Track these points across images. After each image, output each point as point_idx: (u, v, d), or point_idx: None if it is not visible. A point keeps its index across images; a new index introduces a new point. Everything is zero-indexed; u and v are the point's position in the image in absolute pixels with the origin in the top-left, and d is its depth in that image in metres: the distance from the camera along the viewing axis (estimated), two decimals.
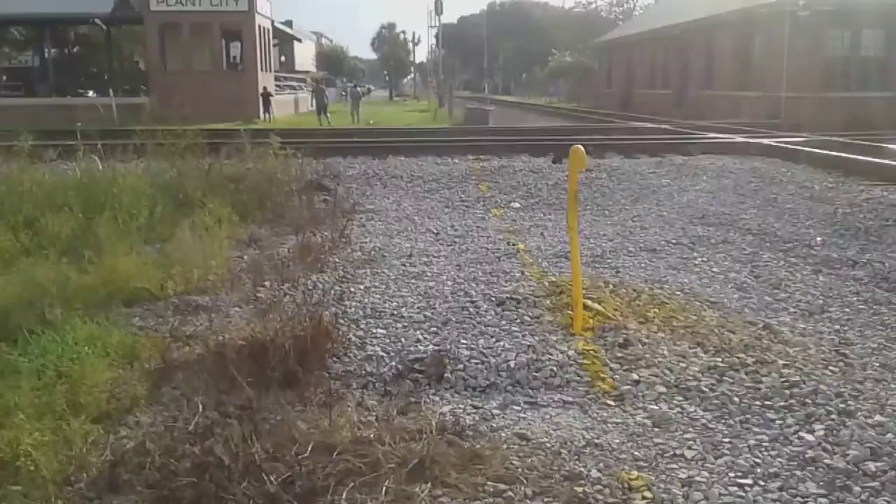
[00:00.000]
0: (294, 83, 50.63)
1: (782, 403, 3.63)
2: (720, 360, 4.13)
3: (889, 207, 8.05)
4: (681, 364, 4.06)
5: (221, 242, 6.16)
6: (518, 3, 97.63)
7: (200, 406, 3.43)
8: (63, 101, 30.70)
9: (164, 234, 6.44)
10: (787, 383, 3.80)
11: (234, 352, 3.94)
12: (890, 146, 12.37)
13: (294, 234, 7.33)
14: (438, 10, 45.35)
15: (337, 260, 6.42)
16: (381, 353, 4.26)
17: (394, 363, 4.12)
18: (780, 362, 4.07)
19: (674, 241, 7.39)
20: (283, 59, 56.31)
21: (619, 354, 4.17)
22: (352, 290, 5.51)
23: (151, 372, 3.88)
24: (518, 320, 4.71)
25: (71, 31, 45.40)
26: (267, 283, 5.63)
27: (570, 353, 4.15)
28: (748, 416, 3.55)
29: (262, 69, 37.06)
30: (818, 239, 7.32)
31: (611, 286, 5.37)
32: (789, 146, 12.93)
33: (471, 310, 4.95)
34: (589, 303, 4.78)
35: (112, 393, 3.61)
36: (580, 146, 4.51)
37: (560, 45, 63.10)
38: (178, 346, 4.25)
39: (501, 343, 4.31)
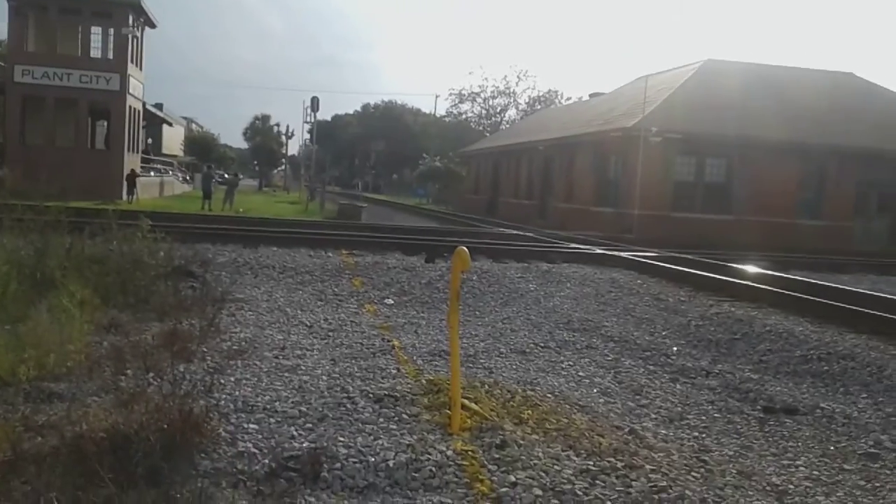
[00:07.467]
0: (160, 166, 49.39)
1: None
2: (591, 463, 4.23)
3: (736, 322, 8.68)
4: (555, 467, 4.13)
5: (81, 326, 5.78)
6: (391, 107, 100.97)
7: (55, 503, 3.15)
8: None
9: (16, 315, 5.97)
10: (655, 488, 3.94)
11: (94, 444, 3.66)
12: (732, 265, 13.46)
13: (159, 321, 7.00)
14: (314, 106, 45.78)
15: (205, 350, 6.16)
16: (254, 450, 4.07)
17: (267, 461, 3.95)
18: (648, 467, 4.22)
19: (542, 345, 7.62)
20: (149, 140, 54.91)
21: (497, 455, 4.19)
22: (222, 381, 5.28)
23: None
24: (396, 418, 4.66)
25: None
26: (129, 372, 5.31)
27: (449, 453, 4.14)
28: None
29: (129, 150, 35.96)
30: (674, 348, 7.77)
31: (486, 386, 5.45)
32: (644, 260, 13.80)
33: (348, 406, 4.85)
34: (466, 402, 4.81)
35: None
36: (464, 248, 4.64)
37: (430, 149, 65.27)
38: (30, 437, 3.90)
39: (380, 441, 4.24)
